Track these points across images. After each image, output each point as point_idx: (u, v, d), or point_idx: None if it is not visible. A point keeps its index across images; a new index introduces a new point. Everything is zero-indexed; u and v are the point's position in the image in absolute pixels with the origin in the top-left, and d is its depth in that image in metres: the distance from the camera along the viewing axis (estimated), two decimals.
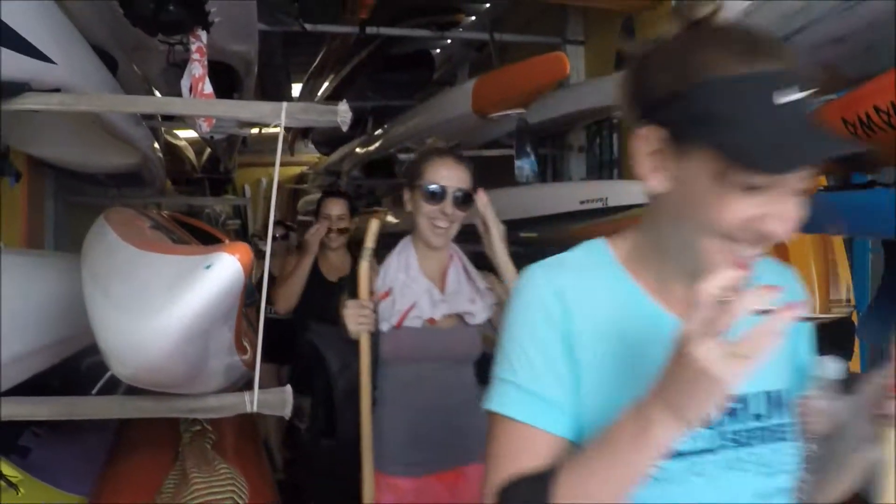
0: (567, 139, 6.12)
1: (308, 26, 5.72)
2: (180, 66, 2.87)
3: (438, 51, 8.18)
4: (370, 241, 2.10)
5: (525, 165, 4.43)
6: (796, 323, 0.82)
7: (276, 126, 1.85)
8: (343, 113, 1.83)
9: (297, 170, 13.52)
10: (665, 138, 0.95)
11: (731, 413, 0.99)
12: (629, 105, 1.02)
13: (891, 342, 1.05)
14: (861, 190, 2.43)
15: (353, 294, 2.04)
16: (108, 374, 1.77)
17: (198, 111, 2.37)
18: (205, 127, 2.93)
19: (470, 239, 2.21)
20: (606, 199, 3.44)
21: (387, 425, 2.11)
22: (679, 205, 0.96)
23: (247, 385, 2.01)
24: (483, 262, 2.22)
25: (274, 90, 8.27)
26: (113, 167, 4.03)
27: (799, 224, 0.92)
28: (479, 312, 2.14)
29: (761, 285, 0.79)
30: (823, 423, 1.07)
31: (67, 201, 4.78)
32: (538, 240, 4.54)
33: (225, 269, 1.45)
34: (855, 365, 4.42)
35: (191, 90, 2.75)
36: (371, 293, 2.08)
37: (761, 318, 0.78)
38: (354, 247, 3.36)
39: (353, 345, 2.03)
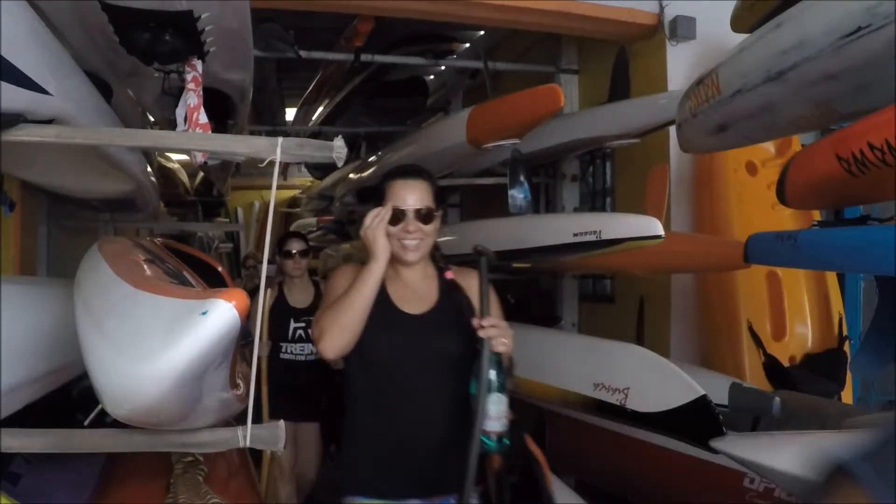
0: (560, 168, 6.16)
1: (303, 53, 5.75)
2: (175, 94, 2.87)
3: (432, 77, 8.23)
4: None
5: (518, 195, 4.43)
6: None
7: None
8: (339, 149, 1.84)
9: (289, 193, 13.56)
10: None
11: None
12: None
13: (882, 375, 1.04)
14: (855, 226, 2.44)
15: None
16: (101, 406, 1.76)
17: (194, 146, 2.37)
18: (200, 158, 2.92)
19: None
20: (600, 231, 3.46)
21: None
22: None
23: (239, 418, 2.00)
24: None
25: (268, 115, 8.30)
26: (107, 193, 4.01)
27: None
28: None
29: None
30: None
31: (61, 225, 4.76)
32: (530, 270, 4.54)
33: (220, 315, 1.45)
34: (847, 396, 4.43)
35: (185, 119, 2.75)
36: None
37: None
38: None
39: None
